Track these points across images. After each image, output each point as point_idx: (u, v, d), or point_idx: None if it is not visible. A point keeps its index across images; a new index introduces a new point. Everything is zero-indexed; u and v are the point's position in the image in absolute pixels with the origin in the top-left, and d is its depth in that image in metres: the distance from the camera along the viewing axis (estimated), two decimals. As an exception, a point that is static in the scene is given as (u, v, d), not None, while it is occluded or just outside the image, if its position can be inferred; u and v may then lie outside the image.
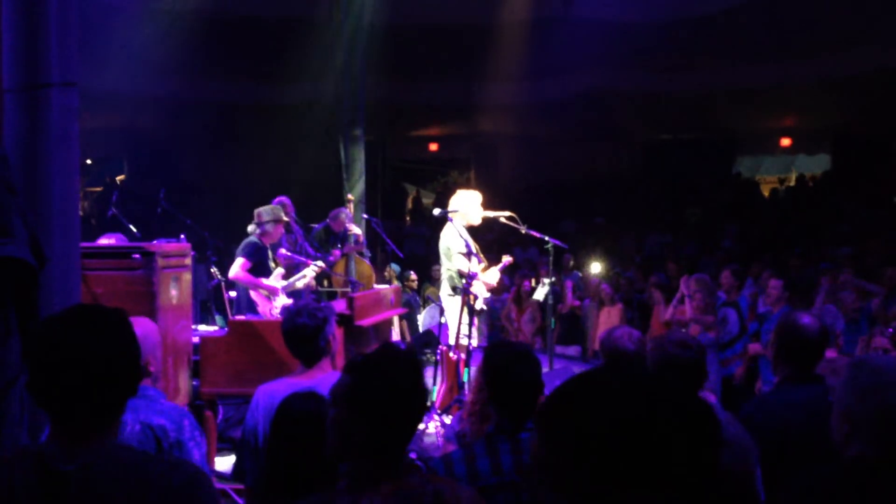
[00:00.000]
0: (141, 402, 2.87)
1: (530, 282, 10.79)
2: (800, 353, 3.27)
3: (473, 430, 3.62)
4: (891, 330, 5.54)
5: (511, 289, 11.24)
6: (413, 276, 11.56)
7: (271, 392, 3.47)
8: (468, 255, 6.80)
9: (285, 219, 7.38)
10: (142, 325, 3.10)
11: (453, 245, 7.00)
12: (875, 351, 5.44)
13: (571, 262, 12.45)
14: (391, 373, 2.11)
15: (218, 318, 9.49)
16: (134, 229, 8.10)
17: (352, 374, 2.13)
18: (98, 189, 16.48)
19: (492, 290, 7.85)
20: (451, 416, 6.35)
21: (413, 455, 5.11)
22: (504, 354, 3.02)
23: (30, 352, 1.87)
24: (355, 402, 2.08)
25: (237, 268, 6.86)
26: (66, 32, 4.09)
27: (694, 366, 3.07)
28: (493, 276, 7.31)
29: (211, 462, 5.28)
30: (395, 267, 11.14)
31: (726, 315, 7.77)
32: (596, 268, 10.01)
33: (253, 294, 6.96)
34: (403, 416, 2.12)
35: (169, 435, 2.84)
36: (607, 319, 10.03)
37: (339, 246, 8.72)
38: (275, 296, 6.97)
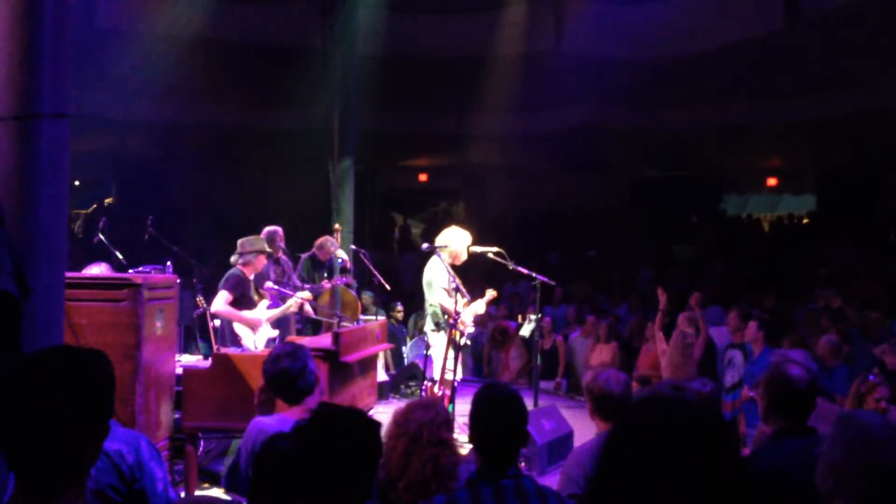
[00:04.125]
0: None
1: (516, 320, 10.73)
2: (791, 405, 3.23)
3: None
4: (871, 377, 5.51)
5: (488, 326, 11.05)
6: (399, 307, 11.48)
7: (270, 426, 3.49)
8: (453, 291, 6.80)
9: (268, 249, 7.34)
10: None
11: (436, 279, 7.00)
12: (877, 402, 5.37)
13: (560, 296, 12.42)
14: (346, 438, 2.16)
15: (202, 345, 9.43)
16: (120, 256, 8.04)
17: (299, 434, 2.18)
18: (85, 211, 16.40)
19: (477, 323, 7.84)
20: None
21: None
22: (490, 399, 3.01)
23: None
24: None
25: (220, 301, 6.81)
26: (59, 62, 4.08)
27: None
28: (479, 308, 7.30)
29: (191, 493, 5.22)
30: (368, 294, 10.94)
31: (733, 358, 7.70)
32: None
33: (236, 326, 6.91)
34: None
35: (126, 458, 2.75)
36: (599, 356, 9.96)
37: (326, 276, 8.68)
38: (257, 329, 6.93)
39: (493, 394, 3.06)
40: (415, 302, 11.95)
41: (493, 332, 10.58)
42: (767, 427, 3.39)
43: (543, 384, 10.07)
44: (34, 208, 3.93)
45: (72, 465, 1.72)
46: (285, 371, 3.50)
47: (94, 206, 16.56)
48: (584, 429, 7.15)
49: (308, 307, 8.04)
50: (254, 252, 7.04)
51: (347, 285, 8.42)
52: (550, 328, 10.68)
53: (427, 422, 3.24)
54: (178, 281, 5.91)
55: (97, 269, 6.45)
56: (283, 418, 3.53)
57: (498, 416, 2.92)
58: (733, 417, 7.48)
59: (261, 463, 2.77)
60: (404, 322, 11.74)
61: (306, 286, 7.96)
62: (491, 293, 7.58)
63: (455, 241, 7.18)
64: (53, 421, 1.67)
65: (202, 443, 5.83)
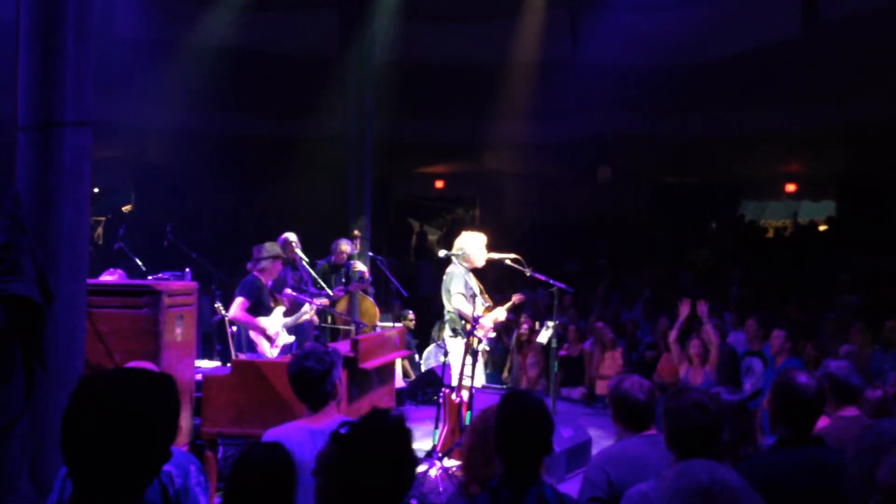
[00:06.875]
0: None
1: (532, 324, 10.69)
2: (796, 414, 3.21)
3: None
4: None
5: (512, 333, 11.05)
6: (411, 315, 11.32)
7: (279, 436, 3.48)
8: (472, 296, 6.78)
9: (283, 255, 7.36)
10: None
11: (453, 286, 7.00)
12: None
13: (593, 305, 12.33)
14: (379, 444, 2.06)
15: (220, 351, 9.46)
16: (140, 262, 8.10)
17: (338, 445, 2.07)
18: (102, 218, 16.52)
19: (496, 329, 7.81)
20: (452, 460, 6.30)
21: (414, 502, 5.06)
22: (516, 407, 2.96)
23: (69, 409, 1.74)
24: (342, 473, 2.03)
25: (236, 307, 6.84)
26: (82, 72, 4.13)
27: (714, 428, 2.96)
28: (500, 315, 7.28)
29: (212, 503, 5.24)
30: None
31: (751, 365, 7.62)
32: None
33: (252, 333, 6.94)
34: (391, 488, 2.06)
35: (175, 481, 2.81)
36: (611, 363, 9.94)
37: (344, 281, 8.69)
38: (273, 337, 6.94)
39: (520, 402, 3.00)
40: (430, 309, 11.93)
41: (518, 335, 10.57)
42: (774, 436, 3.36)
43: (564, 391, 10.05)
44: (57, 216, 3.97)
45: (130, 485, 1.74)
46: (308, 371, 3.49)
47: (110, 215, 16.70)
48: (602, 435, 7.14)
49: (316, 318, 8.04)
50: (269, 258, 7.06)
51: (365, 291, 8.41)
52: (576, 336, 10.60)
53: None
54: (197, 287, 5.94)
55: (110, 277, 6.52)
56: (298, 427, 3.50)
57: (524, 425, 2.88)
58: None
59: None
60: (413, 331, 11.52)
61: (322, 293, 7.98)
62: (517, 297, 7.54)
63: (469, 245, 7.17)
64: (117, 443, 1.69)
65: (221, 449, 5.85)
